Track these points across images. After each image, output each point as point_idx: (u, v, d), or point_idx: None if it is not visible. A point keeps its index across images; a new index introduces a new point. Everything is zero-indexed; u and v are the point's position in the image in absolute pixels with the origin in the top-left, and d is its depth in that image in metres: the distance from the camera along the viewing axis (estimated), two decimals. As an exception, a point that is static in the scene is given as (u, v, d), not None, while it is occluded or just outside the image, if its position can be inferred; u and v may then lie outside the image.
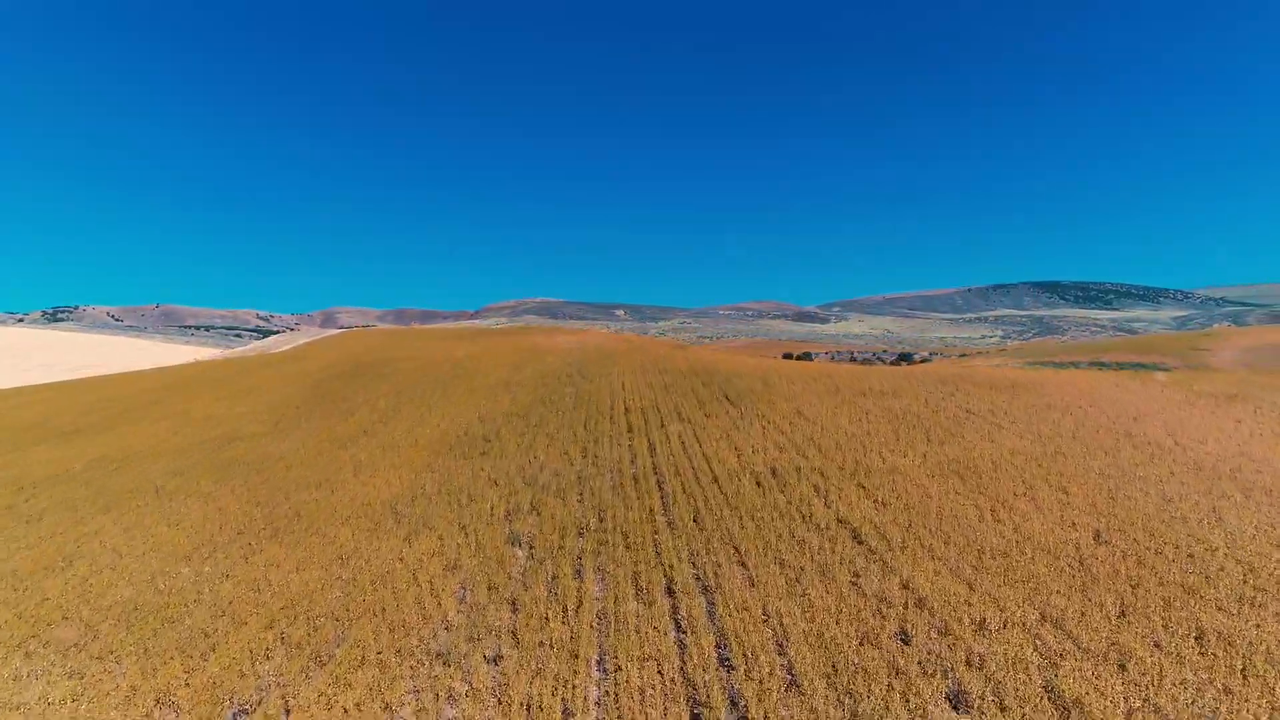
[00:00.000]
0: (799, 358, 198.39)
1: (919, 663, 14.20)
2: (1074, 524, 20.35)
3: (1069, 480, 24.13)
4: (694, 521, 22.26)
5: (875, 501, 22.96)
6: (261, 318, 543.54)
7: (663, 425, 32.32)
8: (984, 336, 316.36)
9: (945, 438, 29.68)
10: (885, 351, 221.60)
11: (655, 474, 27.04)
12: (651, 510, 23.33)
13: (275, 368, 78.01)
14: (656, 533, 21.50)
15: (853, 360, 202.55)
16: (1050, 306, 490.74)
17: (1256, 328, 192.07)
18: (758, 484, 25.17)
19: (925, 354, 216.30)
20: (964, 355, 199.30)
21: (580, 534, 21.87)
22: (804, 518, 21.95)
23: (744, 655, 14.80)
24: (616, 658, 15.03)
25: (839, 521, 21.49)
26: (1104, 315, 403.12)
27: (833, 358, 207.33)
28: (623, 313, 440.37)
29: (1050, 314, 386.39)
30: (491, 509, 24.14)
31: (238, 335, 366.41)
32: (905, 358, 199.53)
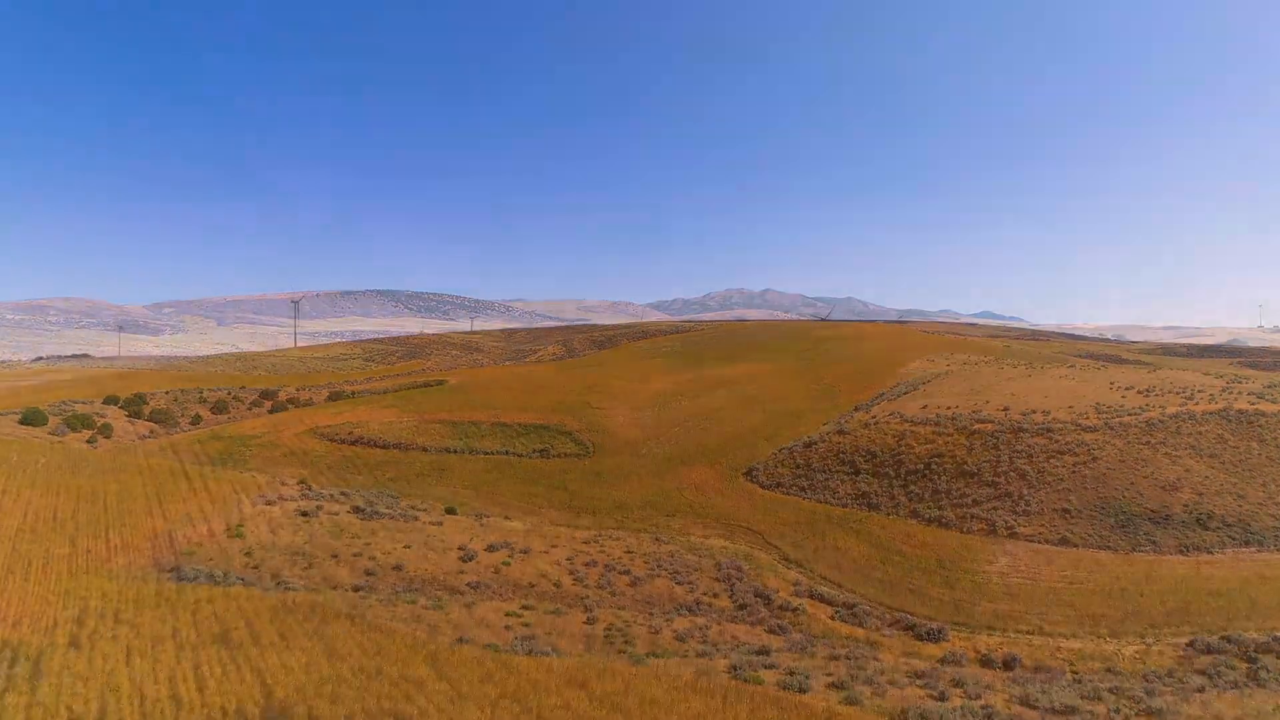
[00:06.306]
0: (127, 403, 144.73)
1: None
2: None
3: None
4: None
5: None
6: None
7: None
8: (345, 357, 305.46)
9: None
10: (244, 388, 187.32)
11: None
12: None
13: None
14: None
15: (213, 411, 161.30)
16: (397, 315, 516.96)
17: (625, 376, 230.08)
18: None
19: (293, 390, 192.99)
20: (339, 396, 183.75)
21: None
22: None
23: None
24: None
25: None
26: (446, 327, 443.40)
27: (183, 410, 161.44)
28: None
29: (404, 330, 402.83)
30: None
31: None
32: (269, 395, 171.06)
